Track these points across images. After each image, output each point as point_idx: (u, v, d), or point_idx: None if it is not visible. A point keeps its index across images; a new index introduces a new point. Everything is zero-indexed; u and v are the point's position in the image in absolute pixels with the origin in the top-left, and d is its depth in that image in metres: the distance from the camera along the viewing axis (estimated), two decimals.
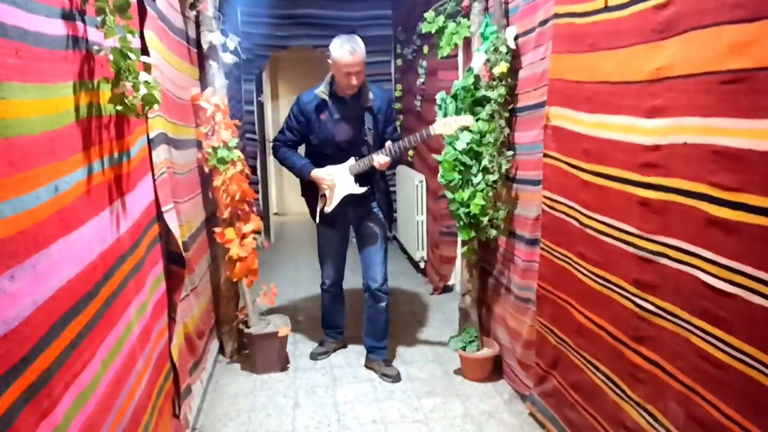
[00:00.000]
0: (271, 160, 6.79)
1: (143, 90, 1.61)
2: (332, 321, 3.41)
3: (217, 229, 3.05)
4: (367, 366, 3.22)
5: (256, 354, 3.13)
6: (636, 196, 1.77)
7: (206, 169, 3.00)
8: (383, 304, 3.13)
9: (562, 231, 2.28)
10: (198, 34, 3.09)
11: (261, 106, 6.10)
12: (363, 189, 2.97)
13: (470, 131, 2.92)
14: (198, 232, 2.91)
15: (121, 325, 1.62)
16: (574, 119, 2.15)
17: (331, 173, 2.97)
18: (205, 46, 3.07)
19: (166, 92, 2.36)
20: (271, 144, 3.14)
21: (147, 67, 1.72)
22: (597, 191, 2.01)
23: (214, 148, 2.94)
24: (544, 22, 2.41)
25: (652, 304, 1.72)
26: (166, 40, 2.42)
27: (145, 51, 2.04)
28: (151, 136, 2.07)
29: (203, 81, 3.17)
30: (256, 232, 3.16)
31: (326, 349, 3.39)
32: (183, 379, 2.31)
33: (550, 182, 2.39)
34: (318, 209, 3.07)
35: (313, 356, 3.34)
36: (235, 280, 3.13)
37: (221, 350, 3.35)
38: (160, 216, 2.13)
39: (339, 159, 2.98)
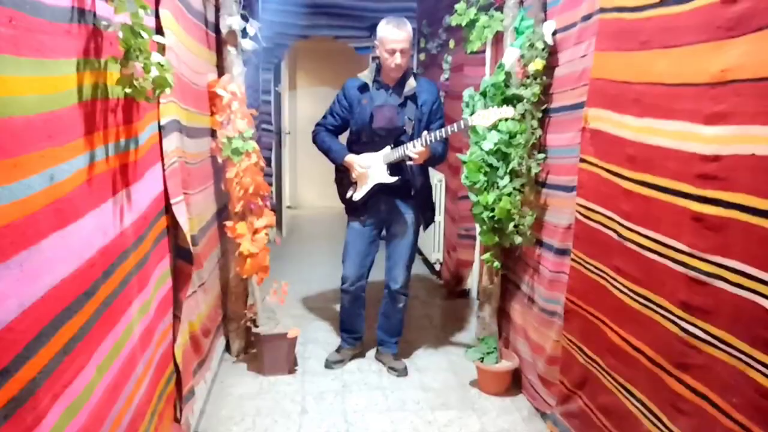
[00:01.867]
0: (287, 152, 6.66)
1: (155, 72, 1.47)
2: (350, 324, 3.21)
3: (228, 223, 2.92)
4: (376, 357, 3.22)
5: (264, 355, 3.00)
6: (689, 210, 1.61)
7: (219, 160, 2.86)
8: (401, 305, 3.11)
9: (598, 242, 2.12)
10: (217, 17, 2.95)
11: (278, 96, 5.97)
12: (394, 179, 2.85)
13: (498, 131, 2.77)
14: (208, 226, 2.78)
15: (120, 326, 1.49)
16: (618, 122, 1.98)
17: (365, 160, 2.89)
18: (224, 30, 2.93)
19: (181, 77, 2.23)
20: (314, 129, 3.08)
21: (160, 48, 1.58)
22: (641, 202, 1.84)
23: (229, 138, 2.81)
24: (587, 17, 2.24)
25: (703, 330, 1.56)
26: (183, 21, 2.28)
27: (159, 31, 1.90)
28: (162, 123, 1.94)
29: (221, 67, 3.03)
30: (269, 227, 3.02)
31: (342, 356, 3.19)
32: (186, 382, 2.18)
33: (585, 189, 2.23)
34: (348, 195, 3.00)
35: (328, 364, 3.14)
36: (245, 276, 3.00)
37: (227, 348, 3.23)
38: (168, 208, 2.00)
39: (375, 147, 2.90)
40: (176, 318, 2.11)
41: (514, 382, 2.89)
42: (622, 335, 1.97)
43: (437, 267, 4.69)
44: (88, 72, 1.29)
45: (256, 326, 3.06)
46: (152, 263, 1.81)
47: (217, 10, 2.94)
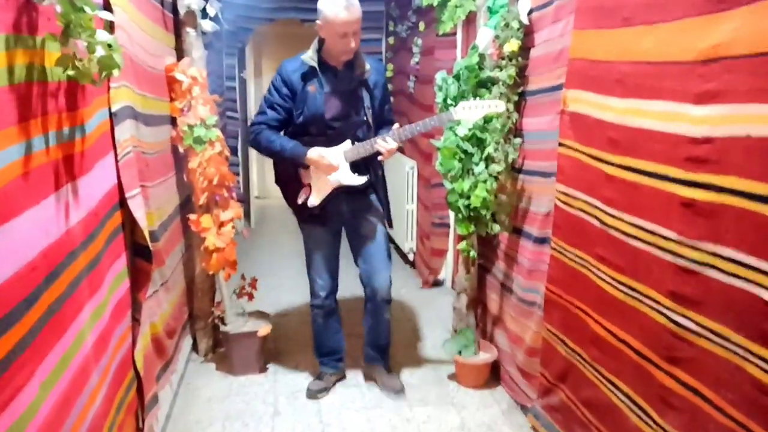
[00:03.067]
0: None
1: (100, 51, 1.32)
2: (329, 345, 2.80)
3: (192, 216, 2.76)
4: (366, 373, 2.86)
5: (233, 354, 2.87)
6: (677, 195, 1.53)
7: (181, 149, 2.70)
8: (388, 315, 2.72)
9: (579, 230, 2.04)
10: None
11: (243, 82, 5.77)
12: (363, 179, 2.49)
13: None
14: (170, 219, 2.62)
15: (69, 335, 1.35)
16: (600, 104, 1.90)
17: (334, 156, 2.44)
18: (182, 11, 2.75)
19: (134, 59, 2.06)
20: (250, 129, 2.58)
21: (107, 26, 1.42)
22: (625, 187, 1.77)
23: (190, 126, 2.64)
24: None
25: (694, 321, 1.49)
26: None
27: (107, 7, 1.73)
28: (114, 110, 1.78)
29: (180, 50, 2.85)
30: (236, 219, 2.87)
31: (326, 384, 2.76)
32: (148, 388, 2.04)
33: (565, 175, 2.15)
34: (300, 200, 2.54)
35: (311, 394, 2.71)
36: (211, 272, 2.85)
37: (195, 347, 3.08)
38: (123, 202, 1.84)
39: (329, 141, 2.45)
40: (135, 321, 1.96)
41: (492, 375, 2.83)
42: (605, 326, 1.90)
43: (410, 257, 4.60)
44: (20, 50, 1.14)
45: (225, 324, 2.92)
46: (106, 263, 1.66)
47: None
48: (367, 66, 2.47)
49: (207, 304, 3.02)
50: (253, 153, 6.43)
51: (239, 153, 5.65)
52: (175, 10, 2.79)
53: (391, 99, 2.67)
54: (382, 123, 2.59)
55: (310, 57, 2.43)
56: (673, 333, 1.57)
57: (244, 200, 5.79)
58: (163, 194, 2.48)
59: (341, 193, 2.51)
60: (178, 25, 2.82)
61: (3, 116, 1.07)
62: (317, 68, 2.42)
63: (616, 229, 1.81)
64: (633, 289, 1.74)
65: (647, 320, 1.68)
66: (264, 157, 7.19)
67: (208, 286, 3.03)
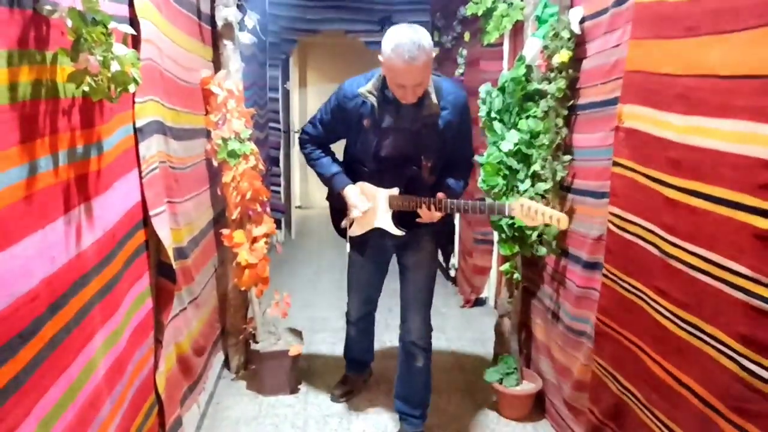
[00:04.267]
0: (295, 151, 6.44)
1: (115, 67, 1.24)
2: (357, 354, 2.81)
3: (225, 231, 2.70)
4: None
5: (264, 374, 2.78)
6: (751, 226, 1.34)
7: (215, 163, 2.64)
8: (420, 364, 2.38)
9: (635, 258, 1.85)
10: (212, 9, 2.73)
11: (287, 93, 5.75)
12: (400, 233, 2.24)
13: (519, 130, 2.51)
14: (202, 235, 2.56)
15: (76, 366, 1.27)
16: (659, 121, 1.71)
17: (366, 205, 2.25)
18: (219, 23, 2.70)
19: (165, 73, 2.01)
20: (298, 136, 2.49)
21: (125, 39, 1.35)
22: (689, 214, 1.58)
23: (224, 140, 2.59)
24: (620, 2, 1.98)
25: None
26: (168, 11, 2.06)
27: (133, 22, 1.67)
28: (139, 125, 1.71)
29: (217, 63, 2.81)
30: (269, 235, 2.80)
31: (350, 387, 2.78)
32: (171, 412, 1.96)
33: (619, 197, 1.96)
34: (342, 225, 2.45)
35: (335, 398, 2.73)
36: (243, 288, 2.78)
37: (226, 364, 3.01)
38: (147, 220, 1.78)
39: (381, 180, 2.25)
40: (158, 342, 1.89)
41: (536, 406, 2.64)
42: (664, 366, 1.70)
43: (452, 273, 4.44)
44: (25, 66, 1.07)
45: (256, 342, 2.83)
46: (124, 285, 1.59)
47: (213, 1, 2.72)
48: (435, 102, 2.10)
49: (239, 321, 2.95)
50: (295, 163, 6.41)
51: (281, 163, 5.63)
52: (213, 23, 2.74)
53: (471, 136, 2.32)
54: (451, 164, 2.28)
55: (368, 90, 2.13)
56: (744, 381, 1.38)
57: (285, 210, 5.76)
58: (194, 209, 2.42)
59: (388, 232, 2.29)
60: (216, 37, 2.77)
61: (1, 136, 1.00)
62: (374, 104, 2.13)
63: (679, 260, 1.62)
64: (698, 329, 1.55)
65: (714, 365, 1.48)
66: (306, 167, 7.19)
67: (241, 301, 2.96)
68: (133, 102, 1.68)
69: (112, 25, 1.27)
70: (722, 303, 1.45)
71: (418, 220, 2.18)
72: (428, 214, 2.13)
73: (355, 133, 2.23)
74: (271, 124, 5.39)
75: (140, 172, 1.72)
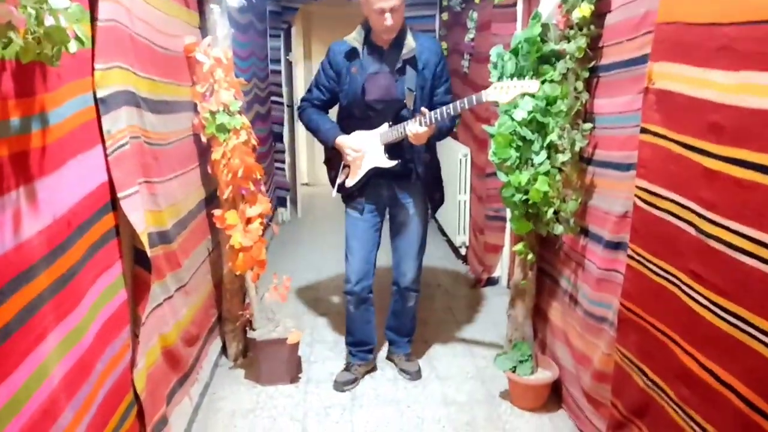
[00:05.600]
0: (301, 126, 6.21)
1: (50, 21, 1.04)
2: (359, 335, 2.71)
3: (217, 212, 2.52)
4: (387, 357, 2.87)
5: (261, 362, 2.62)
6: None
7: (203, 138, 2.45)
8: (411, 303, 2.72)
9: (667, 238, 1.64)
10: None
11: (290, 65, 5.50)
12: (393, 162, 2.41)
13: (533, 97, 2.28)
14: (191, 216, 2.38)
15: (21, 373, 1.10)
16: (699, 80, 1.48)
17: (359, 141, 2.44)
18: None
19: (137, 37, 1.80)
20: (298, 105, 2.65)
21: None
22: (734, 187, 1.35)
23: (212, 113, 2.38)
24: None
25: None
26: None
27: None
28: (101, 95, 1.51)
29: (204, 29, 2.59)
30: (264, 216, 2.61)
31: (354, 375, 2.66)
32: (154, 412, 1.80)
33: (649, 168, 1.74)
34: (338, 182, 2.55)
35: (338, 386, 2.61)
36: (238, 272, 2.61)
37: (224, 350, 2.85)
38: (117, 203, 1.59)
39: (371, 124, 2.43)
40: (135, 337, 1.72)
41: (553, 396, 2.46)
42: (701, 361, 1.50)
43: (462, 251, 4.23)
44: None
45: (253, 329, 2.67)
46: (87, 276, 1.41)
47: None
48: (413, 44, 2.35)
49: (236, 306, 2.78)
50: (300, 138, 6.19)
51: (285, 139, 5.41)
52: None
53: (448, 81, 2.49)
54: (434, 106, 2.37)
55: (353, 38, 2.41)
56: None
57: (290, 188, 5.57)
58: (180, 189, 2.23)
59: (382, 177, 2.47)
60: (201, 1, 2.55)
61: None
62: (359, 49, 2.38)
63: (720, 240, 1.40)
64: (742, 320, 1.34)
65: (761, 361, 1.28)
66: (313, 143, 6.96)
67: (238, 286, 2.79)
68: (93, 68, 1.47)
69: None
70: None
71: (409, 136, 2.29)
72: (413, 132, 2.27)
73: (346, 84, 2.42)
74: (274, 98, 5.17)
75: (105, 149, 1.53)
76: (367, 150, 2.43)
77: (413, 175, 2.49)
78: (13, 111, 1.10)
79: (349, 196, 2.57)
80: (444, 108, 2.23)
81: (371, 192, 2.53)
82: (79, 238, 1.37)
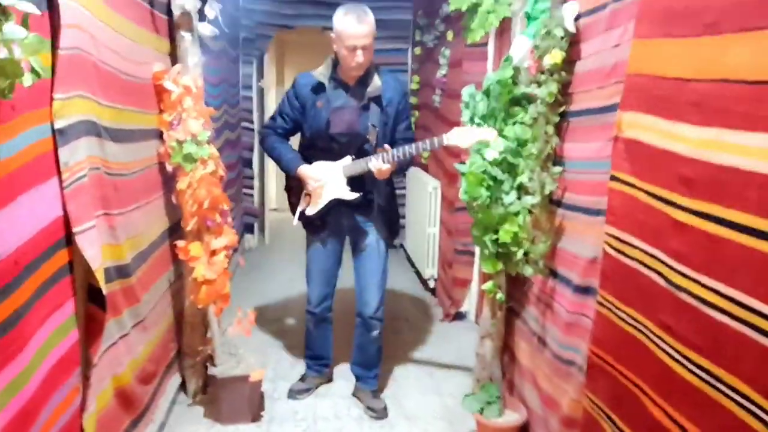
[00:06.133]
0: None
1: (3, 53, 0.98)
2: (316, 350, 2.86)
3: (180, 243, 2.43)
4: (353, 394, 2.81)
5: (222, 400, 2.52)
6: None
7: (169, 168, 2.37)
8: (376, 332, 2.71)
9: (636, 286, 1.63)
10: None
11: (261, 92, 5.47)
12: (354, 195, 2.47)
13: (504, 137, 2.29)
14: (153, 248, 2.29)
15: None
16: (668, 133, 1.49)
17: (321, 172, 2.50)
18: (176, 12, 2.43)
19: (101, 65, 1.74)
20: (260, 131, 2.74)
21: (25, 21, 1.08)
22: (703, 241, 1.36)
23: (179, 142, 2.32)
24: None
25: None
26: None
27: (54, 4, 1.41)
28: (60, 126, 1.44)
29: (175, 57, 2.54)
30: (230, 248, 2.53)
31: (308, 385, 2.83)
32: None
33: (618, 216, 1.74)
34: (299, 209, 2.61)
35: (292, 395, 2.78)
36: (200, 306, 2.51)
37: (183, 387, 2.74)
38: (72, 238, 1.51)
39: (334, 155, 2.50)
40: (86, 379, 1.62)
41: None
42: (671, 415, 1.48)
43: (431, 284, 4.21)
44: None
45: (214, 365, 2.57)
46: (35, 319, 1.32)
47: None
48: (379, 83, 2.45)
49: (197, 341, 2.68)
50: (270, 164, 6.12)
51: (254, 164, 5.35)
52: (169, 12, 2.47)
53: (411, 118, 2.63)
54: (395, 141, 2.51)
55: (321, 72, 2.48)
56: None
57: (258, 214, 5.48)
58: (142, 219, 2.15)
59: (343, 206, 2.53)
60: (172, 28, 2.50)
61: None
62: (326, 84, 2.46)
63: (689, 293, 1.40)
64: (713, 376, 1.33)
65: (734, 421, 1.26)
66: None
67: (199, 319, 2.69)
68: (51, 98, 1.41)
69: (7, 2, 1.02)
70: (743, 348, 1.23)
71: (375, 171, 2.35)
72: (376, 168, 2.34)
73: (311, 117, 2.48)
74: (244, 124, 5.12)
75: (61, 182, 1.45)
76: (328, 181, 2.48)
77: (374, 206, 2.57)
78: None
79: (310, 223, 2.64)
80: (406, 147, 2.33)
81: (332, 221, 2.60)
82: (28, 278, 1.29)
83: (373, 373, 2.77)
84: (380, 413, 2.64)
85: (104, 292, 1.63)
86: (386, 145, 2.36)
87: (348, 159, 2.46)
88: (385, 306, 2.71)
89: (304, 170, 2.50)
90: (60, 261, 1.47)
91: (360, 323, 2.72)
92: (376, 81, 2.44)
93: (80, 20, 1.54)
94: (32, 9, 1.07)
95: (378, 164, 2.33)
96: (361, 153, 2.45)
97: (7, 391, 1.19)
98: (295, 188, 2.64)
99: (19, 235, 1.25)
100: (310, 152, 2.55)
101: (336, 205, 2.51)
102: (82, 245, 1.51)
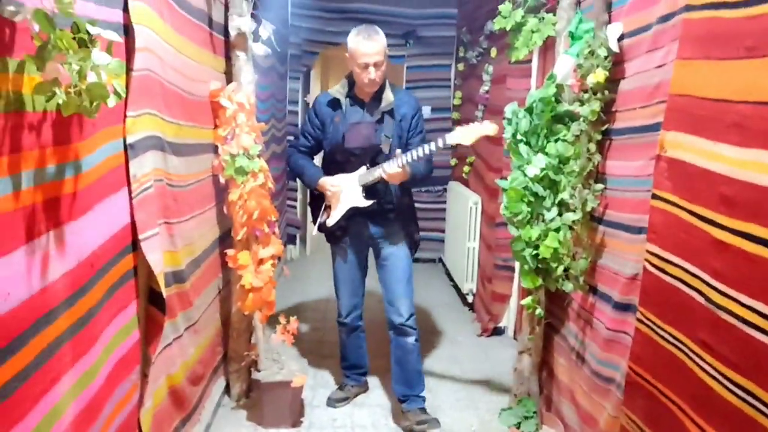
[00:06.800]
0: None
1: (92, 77, 1.10)
2: (352, 359, 2.92)
3: (230, 252, 2.55)
4: (401, 422, 2.64)
5: (265, 404, 2.61)
6: None
7: (222, 180, 2.50)
8: (412, 339, 2.65)
9: (677, 304, 1.65)
10: (226, 18, 2.60)
11: (307, 106, 5.62)
12: (369, 202, 2.54)
13: (546, 155, 2.33)
14: (205, 255, 2.41)
15: (35, 416, 1.11)
16: (710, 153, 1.52)
17: (337, 181, 2.60)
18: (232, 32, 2.57)
19: (167, 85, 1.87)
20: (286, 150, 2.90)
21: (109, 48, 1.20)
22: (744, 261, 1.37)
23: (232, 156, 2.44)
24: (666, 18, 1.79)
25: None
26: (173, 18, 1.92)
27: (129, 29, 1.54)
28: (131, 141, 1.57)
29: (230, 75, 2.68)
30: (276, 257, 2.64)
31: (346, 394, 2.88)
32: None
33: (659, 234, 1.76)
34: (319, 221, 2.71)
35: (331, 402, 2.83)
36: (246, 312, 2.62)
37: (227, 390, 2.84)
38: (137, 244, 1.63)
39: (352, 167, 2.59)
40: (145, 377, 1.73)
41: None
42: None
43: (470, 299, 4.23)
44: None
45: (258, 370, 2.67)
46: (103, 318, 1.43)
47: (227, 9, 2.59)
48: (392, 98, 2.55)
49: (242, 346, 2.79)
50: None
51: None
52: (226, 33, 2.62)
53: (422, 132, 2.64)
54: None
55: (337, 90, 2.61)
56: None
57: (300, 226, 5.62)
58: (197, 229, 2.27)
59: (364, 216, 2.59)
60: (228, 48, 2.64)
61: None
62: (342, 100, 2.57)
63: (729, 312, 1.42)
64: (752, 395, 1.34)
65: None
66: None
67: (245, 326, 2.80)
68: (125, 116, 1.54)
69: (95, 31, 1.14)
70: None
71: (387, 176, 2.40)
72: (388, 173, 2.39)
73: (330, 132, 2.60)
74: (290, 138, 5.27)
75: (130, 192, 1.57)
76: (346, 190, 2.57)
77: (391, 215, 2.62)
78: (49, 159, 1.15)
79: (331, 234, 2.72)
80: (412, 151, 2.36)
81: (353, 231, 2.67)
82: (100, 280, 1.40)
83: (417, 391, 2.67)
84: (432, 424, 2.57)
85: (164, 295, 1.74)
86: (397, 150, 2.41)
87: (363, 169, 2.55)
88: (416, 316, 2.68)
89: (323, 180, 2.60)
90: (127, 265, 1.59)
91: (393, 335, 2.68)
92: (389, 96, 2.54)
93: (150, 43, 1.67)
94: (116, 37, 1.19)
95: (388, 167, 2.39)
96: (375, 163, 2.52)
97: (81, 382, 1.31)
98: (317, 202, 2.74)
99: (95, 240, 1.37)
100: (331, 166, 2.65)
101: (355, 215, 2.58)
102: (146, 251, 1.63)
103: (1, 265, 1.00)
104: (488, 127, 2.28)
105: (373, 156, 2.55)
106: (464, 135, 2.32)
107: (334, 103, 2.58)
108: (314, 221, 2.77)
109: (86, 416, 1.34)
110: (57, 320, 1.19)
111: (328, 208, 2.66)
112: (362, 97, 2.57)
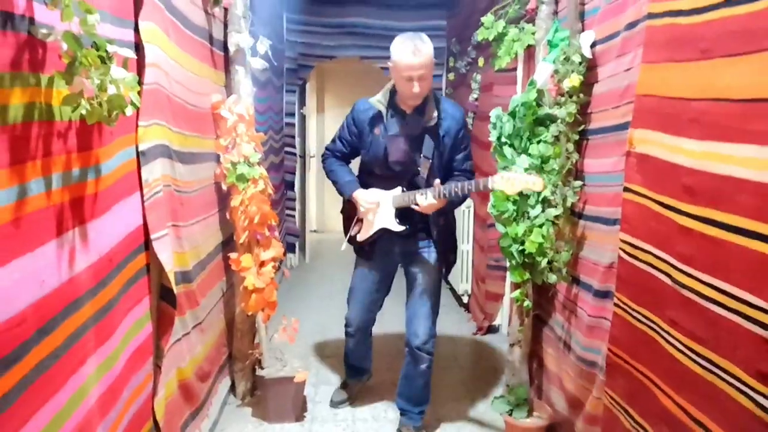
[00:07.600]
0: (311, 176, 6.47)
1: (112, 90, 1.24)
2: (355, 361, 2.95)
3: (233, 255, 2.68)
4: (398, 429, 2.66)
5: (269, 400, 2.73)
6: None
7: (224, 187, 2.64)
8: (424, 365, 2.54)
9: (647, 287, 1.79)
10: (226, 35, 2.76)
11: (303, 118, 5.79)
12: (401, 228, 2.47)
13: (529, 155, 2.47)
14: (209, 258, 2.55)
15: (65, 392, 1.24)
16: (672, 146, 1.66)
17: (373, 198, 2.50)
18: (231, 48, 2.73)
19: (173, 97, 2.01)
20: (321, 153, 2.74)
21: (128, 63, 1.34)
22: (704, 243, 1.51)
23: (234, 164, 2.58)
24: (632, 25, 1.94)
25: None
26: (177, 36, 2.07)
27: (140, 47, 1.69)
28: (143, 148, 1.71)
29: (230, 88, 2.83)
30: (277, 260, 2.77)
31: (348, 393, 2.94)
32: None
33: (631, 224, 1.91)
34: (350, 233, 2.65)
35: (334, 404, 2.89)
36: (249, 313, 2.75)
37: (232, 389, 2.96)
38: (149, 244, 1.76)
39: (389, 183, 2.48)
40: (157, 368, 1.86)
41: None
42: (678, 402, 1.62)
43: (465, 300, 4.36)
44: (17, 89, 1.07)
45: (262, 368, 2.79)
46: (121, 309, 1.57)
47: (226, 26, 2.75)
48: (435, 112, 2.39)
49: (246, 345, 2.91)
50: (310, 187, 6.43)
51: (296, 188, 5.64)
52: (225, 48, 2.77)
53: (468, 148, 2.52)
54: (452, 172, 2.49)
55: (378, 100, 2.47)
56: (760, 420, 1.30)
57: (299, 234, 5.75)
58: (201, 233, 2.41)
59: (392, 235, 2.52)
60: (228, 62, 2.80)
61: None
62: (383, 111, 2.45)
63: (693, 291, 1.56)
64: (713, 363, 1.47)
65: (730, 403, 1.40)
66: (323, 192, 7.19)
67: (248, 326, 2.92)
68: (137, 125, 1.68)
69: (112, 49, 1.28)
70: (738, 337, 1.37)
71: (415, 207, 2.33)
72: (426, 204, 2.30)
73: (368, 142, 2.49)
74: (287, 149, 5.42)
75: (142, 196, 1.71)
76: (379, 209, 2.49)
77: (423, 235, 2.53)
78: (75, 163, 1.29)
79: (361, 250, 2.65)
80: (453, 185, 2.24)
81: (381, 250, 2.60)
82: (118, 274, 1.54)
83: (418, 409, 2.62)
84: None
85: (176, 291, 1.88)
86: (437, 181, 2.29)
87: (398, 190, 2.45)
88: (435, 339, 2.56)
89: (358, 194, 2.51)
90: (140, 263, 1.72)
91: (408, 353, 2.58)
92: (432, 109, 2.38)
93: (158, 60, 1.82)
94: (131, 54, 1.34)
95: (424, 200, 2.29)
96: (412, 184, 2.43)
97: (102, 367, 1.43)
98: (350, 211, 2.66)
99: (113, 237, 1.50)
100: (368, 177, 2.57)
101: (385, 233, 2.51)
102: (157, 249, 1.76)
103: (38, 255, 1.13)
104: (537, 184, 2.12)
105: (411, 175, 2.44)
106: (509, 184, 2.15)
107: (375, 114, 2.45)
108: (345, 232, 2.70)
109: (108, 398, 1.47)
110: (83, 308, 1.32)
111: (360, 221, 2.59)
112: (404, 108, 2.41)
